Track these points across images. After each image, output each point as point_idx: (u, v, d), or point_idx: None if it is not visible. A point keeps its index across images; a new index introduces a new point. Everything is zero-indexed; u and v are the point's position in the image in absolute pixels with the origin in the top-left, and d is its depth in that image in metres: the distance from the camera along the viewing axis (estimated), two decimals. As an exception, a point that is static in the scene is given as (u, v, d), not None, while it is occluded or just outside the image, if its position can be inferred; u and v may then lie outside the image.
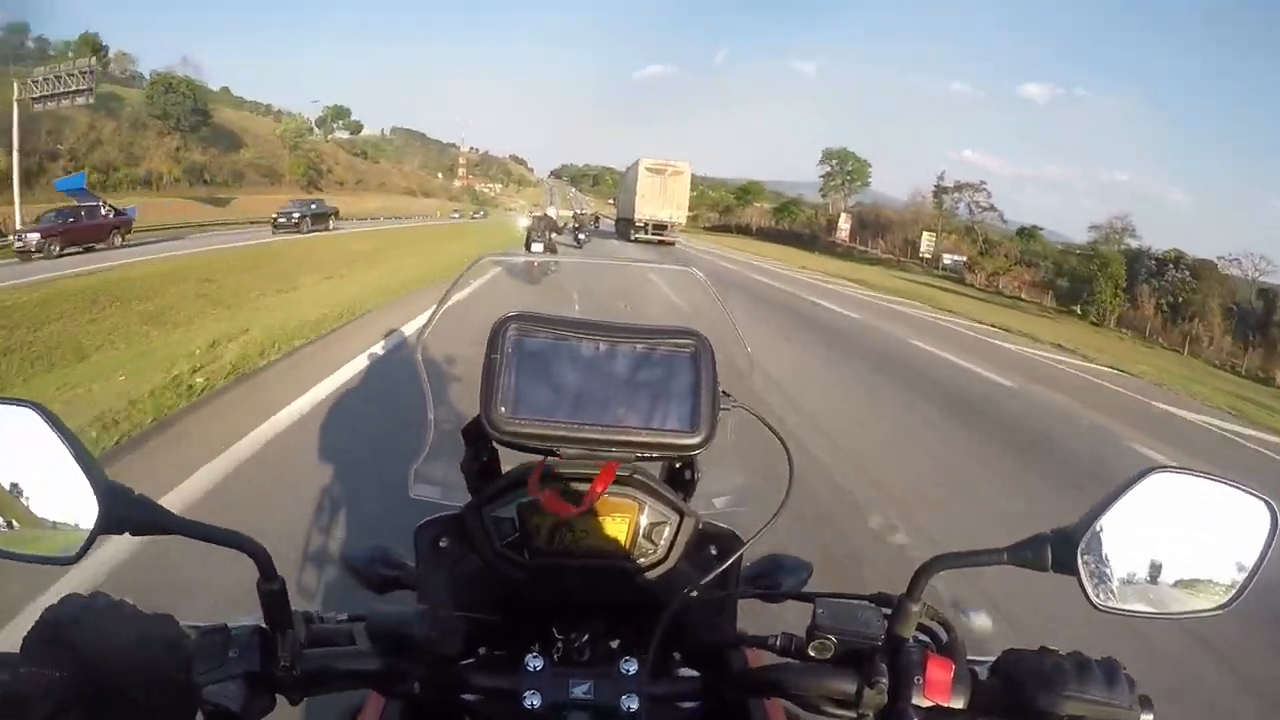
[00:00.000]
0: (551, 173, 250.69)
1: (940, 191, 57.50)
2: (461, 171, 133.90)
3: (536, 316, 0.58)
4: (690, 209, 42.84)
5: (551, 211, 13.34)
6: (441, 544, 0.67)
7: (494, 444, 0.65)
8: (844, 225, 61.27)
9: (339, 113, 79.05)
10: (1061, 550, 0.52)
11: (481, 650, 0.70)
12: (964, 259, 48.34)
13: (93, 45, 41.57)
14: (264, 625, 0.54)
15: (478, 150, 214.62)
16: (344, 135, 79.03)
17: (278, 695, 0.54)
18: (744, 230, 72.18)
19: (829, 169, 69.29)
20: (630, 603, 0.66)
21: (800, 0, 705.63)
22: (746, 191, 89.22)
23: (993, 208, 55.08)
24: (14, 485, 0.53)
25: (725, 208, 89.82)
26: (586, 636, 0.67)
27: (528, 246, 10.90)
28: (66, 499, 0.51)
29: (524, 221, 13.54)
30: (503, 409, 0.56)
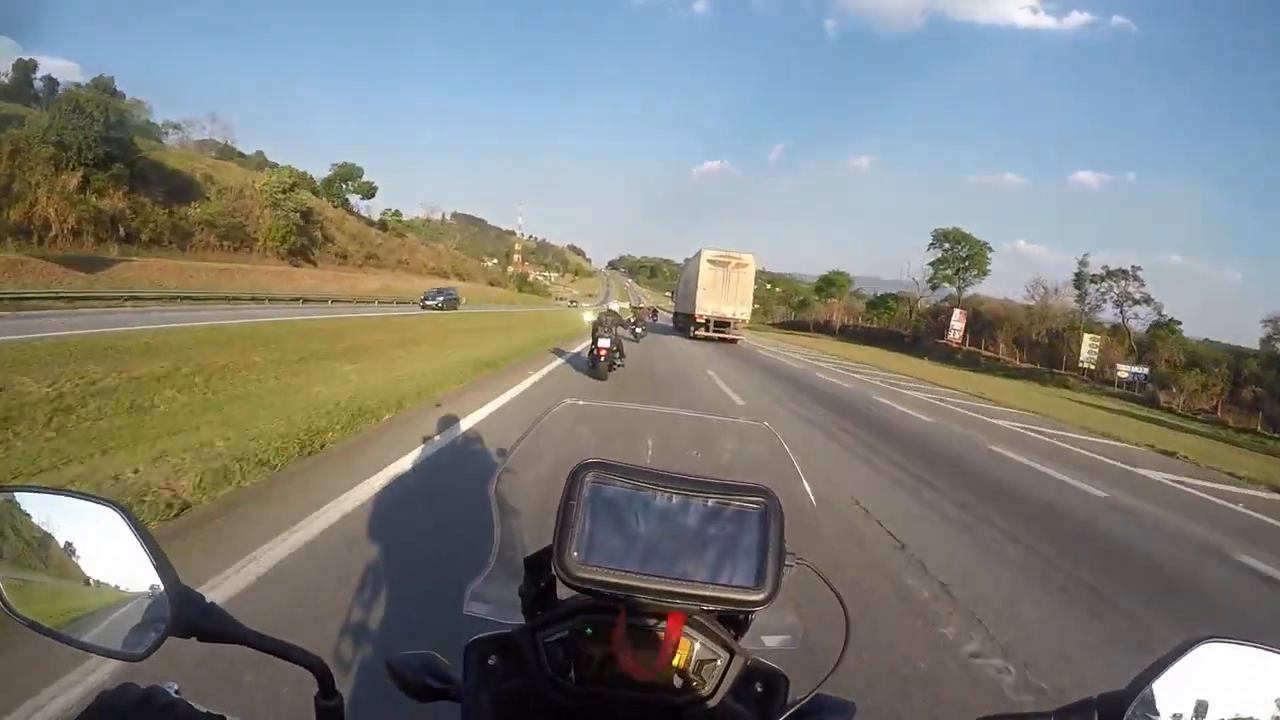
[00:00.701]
0: (609, 264, 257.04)
1: (1084, 281, 45.74)
2: (516, 258, 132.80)
3: (613, 465, 0.61)
4: (757, 302, 38.97)
5: (613, 305, 13.15)
6: (490, 662, 0.68)
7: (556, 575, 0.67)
8: (957, 324, 49.34)
9: (349, 172, 63.14)
10: (1108, 716, 0.53)
11: None
12: (1145, 371, 37.56)
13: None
14: None
15: (535, 238, 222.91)
16: (360, 200, 66.87)
17: None
18: (824, 329, 64.96)
19: (941, 253, 56.86)
20: None
21: (853, 100, 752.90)
22: (830, 283, 78.95)
23: (1148, 299, 44.50)
24: (92, 580, 0.57)
25: (801, 301, 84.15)
26: None
27: (594, 341, 11.18)
28: (140, 598, 0.56)
29: (589, 317, 13.18)
30: (575, 554, 0.58)
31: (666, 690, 0.64)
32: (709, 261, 29.11)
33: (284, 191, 44.09)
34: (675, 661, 0.64)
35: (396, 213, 78.76)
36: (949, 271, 57.01)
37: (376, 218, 70.41)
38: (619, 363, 11.68)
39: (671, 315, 45.47)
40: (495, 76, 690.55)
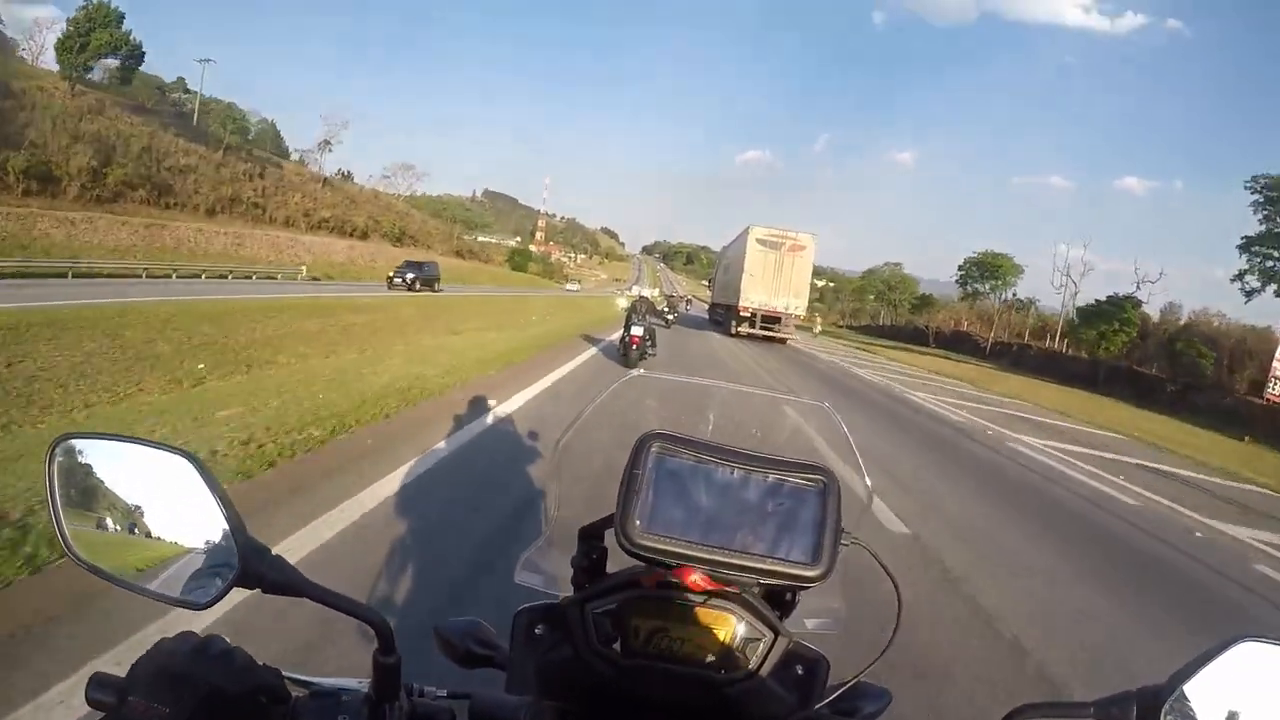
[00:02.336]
0: (643, 249, 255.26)
1: None
2: (539, 235, 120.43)
3: (677, 437, 0.63)
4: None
5: (644, 290, 13.65)
6: (537, 631, 0.69)
7: (610, 548, 0.68)
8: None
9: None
10: (1147, 710, 0.53)
11: None
12: None
13: None
14: (372, 695, 0.60)
15: (563, 218, 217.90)
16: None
17: None
18: (906, 336, 52.23)
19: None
20: (712, 712, 0.67)
21: (898, 94, 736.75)
22: (980, 275, 58.55)
23: None
24: (157, 528, 0.59)
25: (922, 299, 68.78)
26: None
27: (627, 328, 11.36)
28: (207, 548, 0.57)
29: (623, 303, 13.45)
30: (638, 523, 0.60)
31: (709, 666, 0.65)
32: (758, 242, 24.14)
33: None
34: (720, 639, 0.65)
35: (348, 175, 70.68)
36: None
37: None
38: (650, 351, 11.84)
39: (708, 306, 40.55)
40: (535, 56, 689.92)
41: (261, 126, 58.74)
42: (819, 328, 29.70)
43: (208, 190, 40.36)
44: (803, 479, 0.62)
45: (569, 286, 62.19)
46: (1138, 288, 39.15)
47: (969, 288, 57.80)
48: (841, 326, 63.51)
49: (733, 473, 0.62)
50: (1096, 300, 40.45)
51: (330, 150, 59.41)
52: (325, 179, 60.00)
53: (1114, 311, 37.88)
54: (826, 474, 0.63)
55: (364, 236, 54.99)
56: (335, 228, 51.84)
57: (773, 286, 23.94)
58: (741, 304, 24.11)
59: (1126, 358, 36.29)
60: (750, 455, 0.63)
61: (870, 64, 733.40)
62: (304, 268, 37.04)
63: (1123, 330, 37.05)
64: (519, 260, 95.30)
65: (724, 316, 27.83)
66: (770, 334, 24.34)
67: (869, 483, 0.78)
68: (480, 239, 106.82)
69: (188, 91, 55.96)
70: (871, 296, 77.09)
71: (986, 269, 56.14)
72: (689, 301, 35.79)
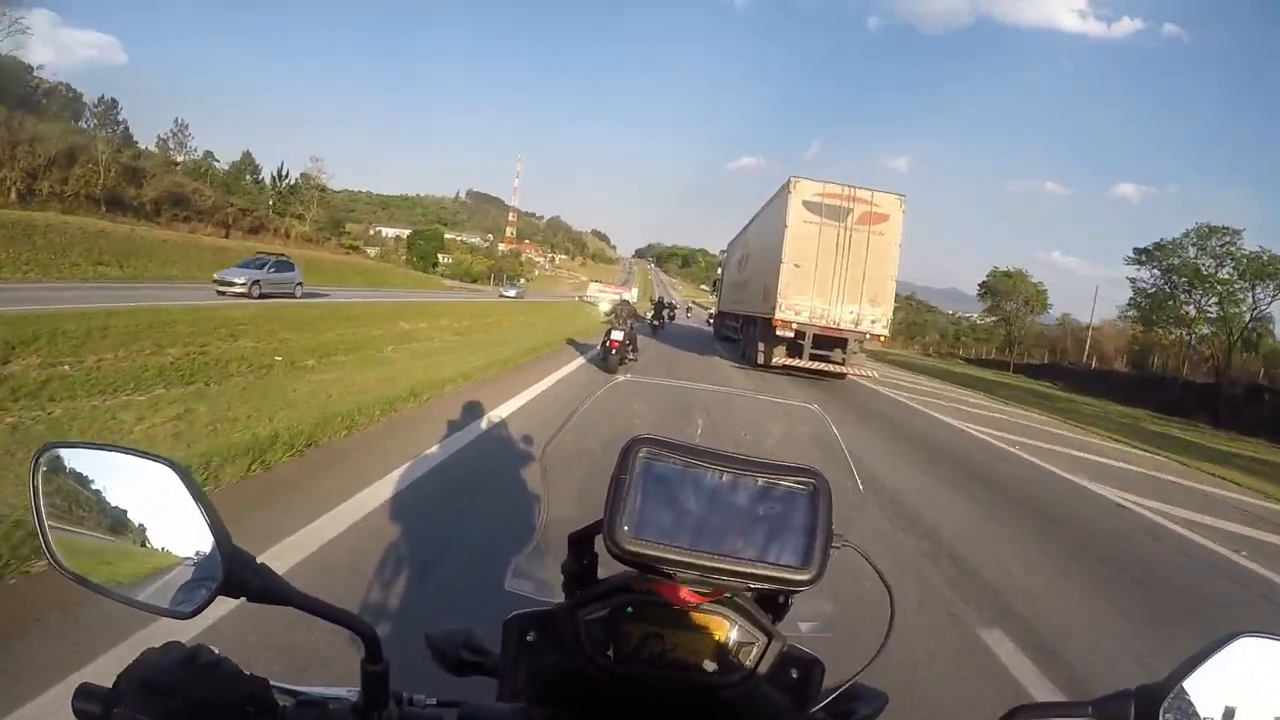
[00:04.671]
0: (636, 251, 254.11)
1: None
2: (509, 232, 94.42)
3: (665, 441, 0.63)
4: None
5: (629, 295, 12.81)
6: (529, 638, 0.69)
7: (598, 553, 0.68)
8: None
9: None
10: (1145, 708, 0.54)
11: None
12: None
13: None
14: (360, 703, 0.60)
15: (542, 217, 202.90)
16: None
17: None
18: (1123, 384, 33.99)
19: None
20: (707, 717, 0.67)
21: (886, 101, 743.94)
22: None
23: None
24: (141, 537, 0.59)
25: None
26: None
27: (607, 334, 11.11)
28: (190, 558, 0.57)
29: (605, 307, 13.05)
30: (626, 528, 0.60)
31: (703, 671, 0.65)
32: (807, 207, 14.61)
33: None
34: (713, 643, 0.65)
35: (208, 154, 58.26)
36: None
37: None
38: (631, 356, 11.64)
39: (712, 315, 31.51)
40: (525, 56, 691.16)
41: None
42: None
43: None
44: (792, 482, 0.62)
45: (507, 291, 49.21)
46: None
47: (993, 302, 57.14)
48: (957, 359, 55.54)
49: (721, 476, 0.62)
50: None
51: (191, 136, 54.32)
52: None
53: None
54: (816, 477, 0.63)
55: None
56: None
57: (834, 285, 14.38)
58: (779, 315, 14.44)
59: None
60: (739, 459, 0.62)
61: (862, 69, 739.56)
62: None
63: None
64: (424, 249, 73.62)
65: (741, 333, 19.37)
66: (826, 368, 14.89)
67: (860, 485, 0.78)
68: (448, 236, 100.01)
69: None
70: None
71: (1006, 284, 55.72)
72: (688, 308, 31.73)
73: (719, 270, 29.44)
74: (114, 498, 0.60)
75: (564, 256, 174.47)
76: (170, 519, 0.57)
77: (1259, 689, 0.53)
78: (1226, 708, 0.53)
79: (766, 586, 0.62)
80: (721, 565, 0.59)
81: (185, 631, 1.49)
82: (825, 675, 0.69)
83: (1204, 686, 0.53)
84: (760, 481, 0.62)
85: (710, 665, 0.65)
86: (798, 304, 14.45)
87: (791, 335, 14.57)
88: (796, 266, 14.47)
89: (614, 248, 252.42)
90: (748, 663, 0.66)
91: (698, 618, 0.64)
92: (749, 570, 0.59)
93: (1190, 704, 0.53)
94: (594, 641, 0.65)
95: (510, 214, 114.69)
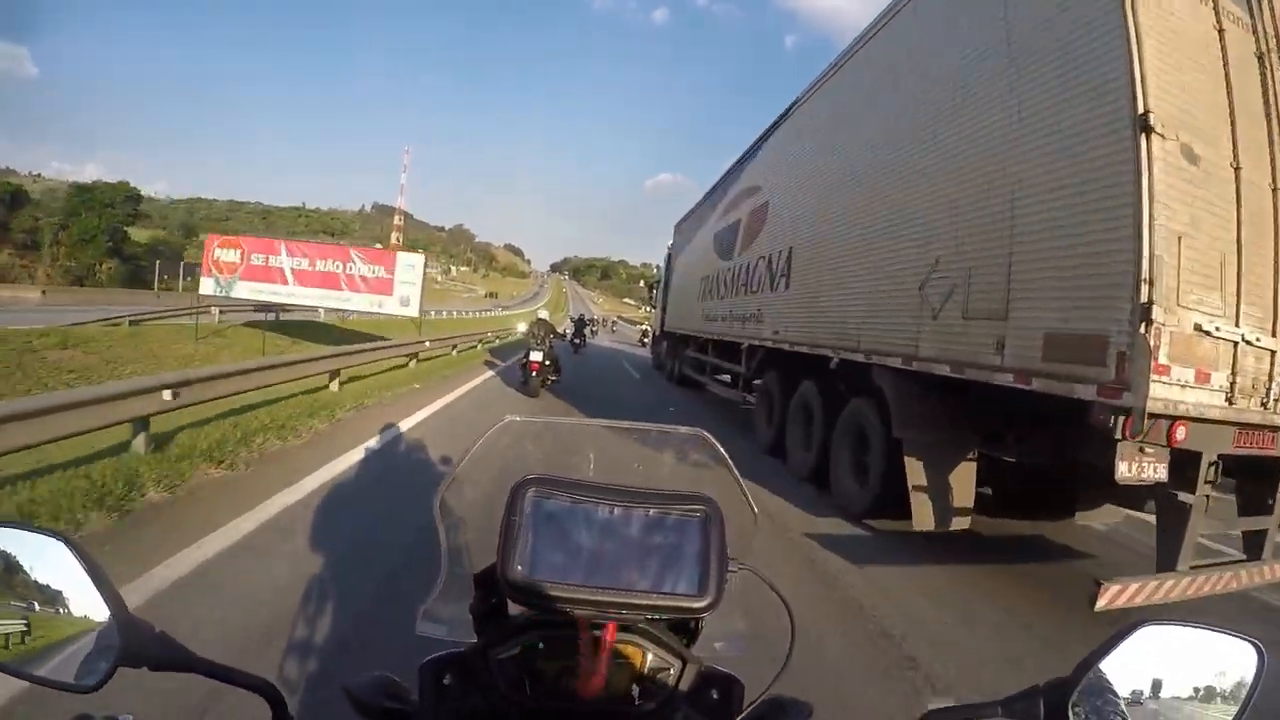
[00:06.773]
0: (551, 265, 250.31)
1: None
2: (395, 239, 76.11)
3: (553, 480, 0.63)
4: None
5: (542, 314, 11.50)
6: (445, 681, 0.69)
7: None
8: None
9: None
10: (1054, 703, 0.55)
11: None
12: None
13: None
14: None
15: (443, 227, 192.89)
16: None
17: None
18: None
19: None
20: None
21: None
22: None
23: None
24: (41, 613, 0.57)
25: None
26: None
27: (526, 354, 10.30)
28: (91, 629, 0.56)
29: (522, 326, 12.14)
30: (519, 568, 0.60)
31: (622, 701, 0.66)
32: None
33: None
34: (629, 672, 0.66)
35: None
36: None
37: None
38: (553, 378, 10.72)
39: (647, 335, 25.63)
40: (439, 71, 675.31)
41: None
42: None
43: None
44: (684, 510, 0.63)
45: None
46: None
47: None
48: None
49: (612, 510, 0.62)
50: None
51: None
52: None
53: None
54: (708, 503, 0.64)
55: None
56: None
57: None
58: (1154, 388, 2.89)
59: None
60: (629, 491, 0.63)
61: (779, 87, 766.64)
62: None
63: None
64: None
65: (707, 367, 11.73)
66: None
67: (754, 507, 0.79)
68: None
69: None
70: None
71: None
72: (613, 324, 27.25)
73: (656, 274, 20.65)
74: (8, 573, 0.58)
75: (465, 268, 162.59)
76: (68, 591, 0.57)
77: (1163, 674, 0.56)
78: (1133, 692, 0.56)
79: (665, 617, 0.63)
80: (617, 600, 0.60)
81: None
82: (749, 690, 0.70)
83: (1111, 675, 0.56)
84: (651, 512, 0.63)
85: (628, 693, 0.66)
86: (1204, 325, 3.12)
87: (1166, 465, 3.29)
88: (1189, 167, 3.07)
89: (528, 261, 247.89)
90: (665, 689, 0.66)
91: (610, 648, 0.64)
92: (645, 602, 0.60)
93: (1098, 694, 0.56)
94: (508, 680, 0.65)
95: (395, 216, 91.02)
